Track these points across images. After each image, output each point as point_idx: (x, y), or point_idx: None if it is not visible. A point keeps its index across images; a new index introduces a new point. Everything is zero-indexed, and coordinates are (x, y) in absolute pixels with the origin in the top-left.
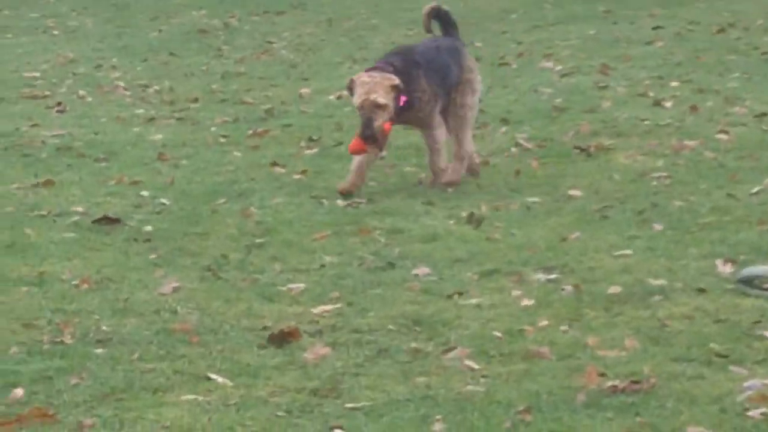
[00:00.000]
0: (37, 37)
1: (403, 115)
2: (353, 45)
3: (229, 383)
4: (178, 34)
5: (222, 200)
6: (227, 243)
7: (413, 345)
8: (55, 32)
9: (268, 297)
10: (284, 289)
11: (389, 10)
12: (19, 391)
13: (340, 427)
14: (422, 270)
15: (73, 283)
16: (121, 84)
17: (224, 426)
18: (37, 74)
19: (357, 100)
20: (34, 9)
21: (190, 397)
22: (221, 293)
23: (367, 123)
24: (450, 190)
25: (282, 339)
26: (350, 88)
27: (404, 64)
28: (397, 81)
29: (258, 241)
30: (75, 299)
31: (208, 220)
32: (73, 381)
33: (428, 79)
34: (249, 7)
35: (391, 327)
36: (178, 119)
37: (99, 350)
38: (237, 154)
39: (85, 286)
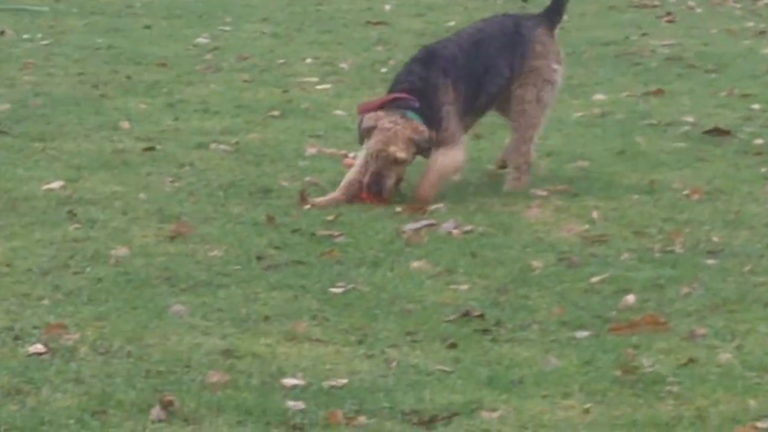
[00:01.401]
0: None
1: None
2: None
3: None
4: None
5: None
6: None
7: None
8: None
9: None
10: None
11: None
12: (630, 298)
13: None
14: None
15: (684, 193)
16: None
17: None
18: None
19: (372, 146)
20: None
21: None
22: None
23: (377, 179)
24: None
25: None
26: (365, 129)
27: (426, 80)
28: (423, 133)
29: None
30: (685, 209)
31: None
32: (684, 290)
33: (457, 88)
34: None
35: None
36: None
37: (710, 261)
38: None
39: (696, 196)
